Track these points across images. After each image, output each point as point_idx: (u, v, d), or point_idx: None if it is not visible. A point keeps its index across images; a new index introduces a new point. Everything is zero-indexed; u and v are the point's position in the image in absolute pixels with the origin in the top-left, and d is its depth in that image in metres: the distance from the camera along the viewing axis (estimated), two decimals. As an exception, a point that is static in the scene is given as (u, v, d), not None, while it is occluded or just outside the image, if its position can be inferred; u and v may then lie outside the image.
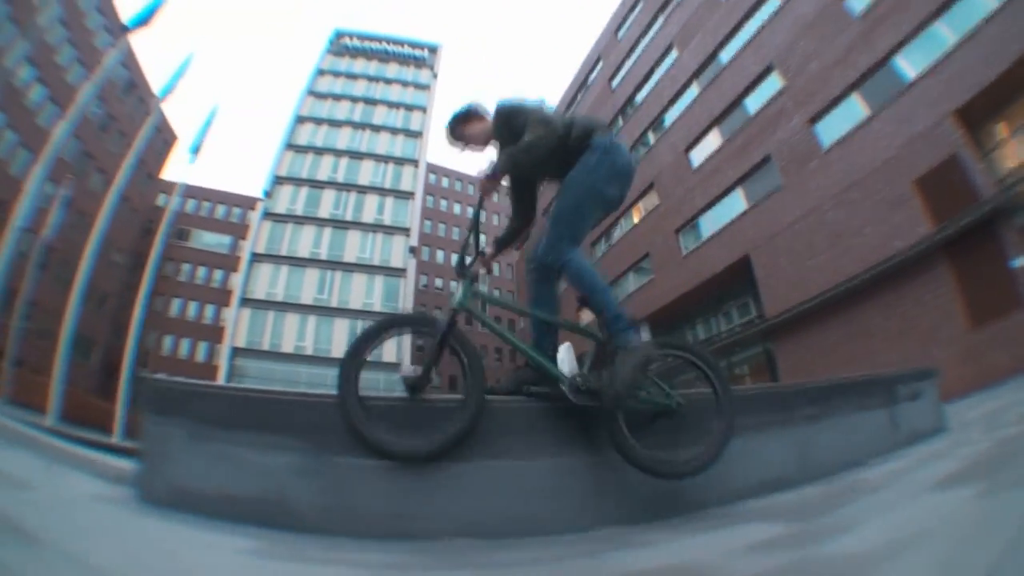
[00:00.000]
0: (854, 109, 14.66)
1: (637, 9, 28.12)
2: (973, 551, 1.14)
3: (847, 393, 3.29)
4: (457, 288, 2.29)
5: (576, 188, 2.35)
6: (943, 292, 11.60)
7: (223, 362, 30.66)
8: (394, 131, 40.98)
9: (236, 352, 30.78)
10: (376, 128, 40.40)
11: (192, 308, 40.89)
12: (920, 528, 1.41)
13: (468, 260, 2.37)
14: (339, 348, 30.82)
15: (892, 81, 13.55)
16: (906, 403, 3.53)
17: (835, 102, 15.25)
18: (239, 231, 43.28)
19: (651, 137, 24.80)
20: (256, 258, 33.28)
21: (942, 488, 1.88)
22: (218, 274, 42.38)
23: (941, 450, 2.88)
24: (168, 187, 41.45)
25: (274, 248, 34.02)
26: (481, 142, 2.57)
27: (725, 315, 20.18)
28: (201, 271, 42.22)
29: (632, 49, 27.90)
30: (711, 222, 19.97)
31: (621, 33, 29.47)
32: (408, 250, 35.60)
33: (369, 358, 2.12)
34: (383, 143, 40.06)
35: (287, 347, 31.52)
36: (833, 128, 15.28)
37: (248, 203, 44.41)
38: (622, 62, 28.66)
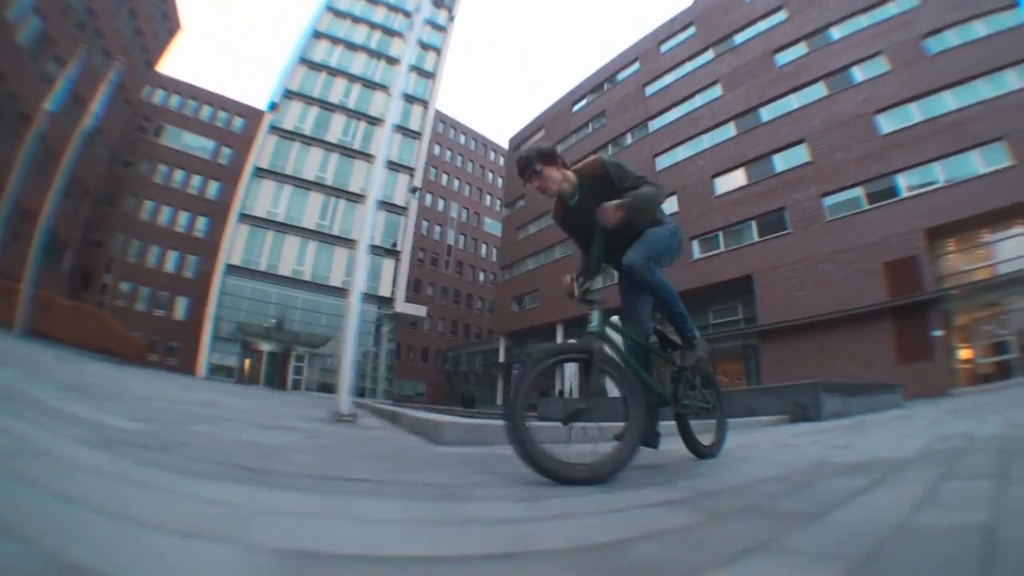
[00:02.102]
0: (857, 199, 24.09)
1: (687, 34, 36.26)
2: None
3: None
4: (592, 315, 2.67)
5: (664, 237, 3.03)
6: (885, 337, 21.40)
7: (216, 279, 33.49)
8: (408, 67, 46.07)
9: (230, 269, 33.80)
10: (391, 60, 45.28)
11: (165, 213, 42.02)
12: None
13: (587, 284, 2.96)
14: (337, 276, 36.51)
15: (889, 190, 23.04)
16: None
17: (844, 188, 24.64)
18: (225, 137, 45.74)
19: (680, 152, 33.21)
20: (258, 172, 36.60)
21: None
22: (195, 180, 43.97)
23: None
24: (164, 82, 44.42)
25: (278, 165, 37.30)
26: (551, 185, 2.94)
27: (714, 313, 29.47)
28: (178, 174, 43.37)
29: (674, 68, 36.08)
30: (725, 240, 28.96)
31: (665, 48, 37.52)
32: (410, 190, 41.34)
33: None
34: (395, 77, 44.97)
35: (284, 270, 35.66)
36: (838, 206, 24.71)
37: (243, 111, 47.13)
38: (662, 75, 36.78)
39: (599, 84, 42.34)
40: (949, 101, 22.59)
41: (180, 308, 39.67)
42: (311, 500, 1.56)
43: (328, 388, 32.75)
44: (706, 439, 3.34)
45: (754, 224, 28.05)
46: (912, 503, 1.58)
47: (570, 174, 3.00)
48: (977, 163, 21.13)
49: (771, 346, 25.23)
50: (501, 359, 44.97)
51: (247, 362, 33.66)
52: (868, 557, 1.09)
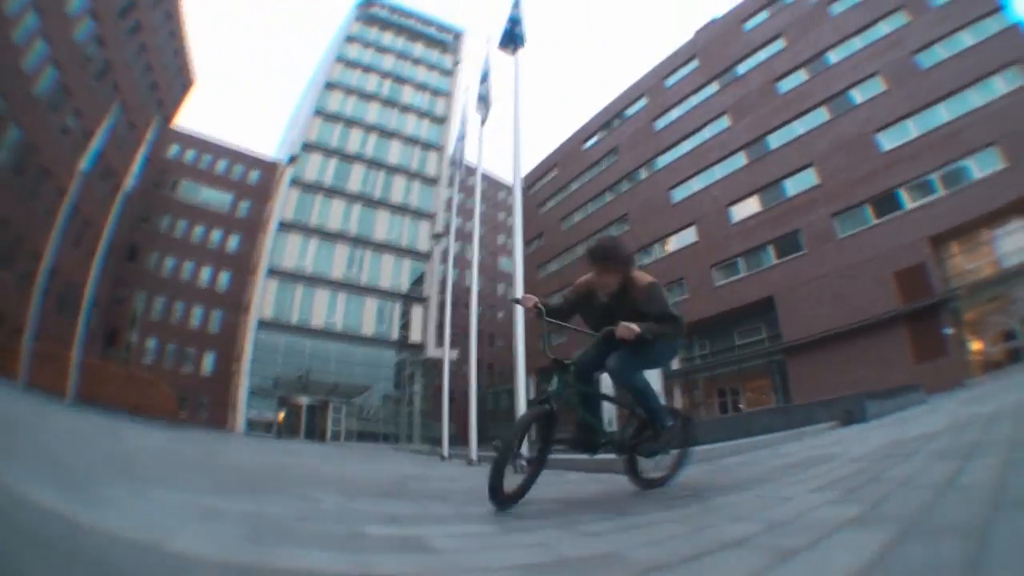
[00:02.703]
0: (866, 215, 26.39)
1: (690, 67, 39.21)
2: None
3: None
4: (554, 379, 3.53)
5: (664, 355, 3.82)
6: (900, 341, 23.48)
7: (249, 335, 35.34)
8: (420, 114, 49.44)
9: (262, 324, 35.76)
10: (404, 108, 48.38)
11: (186, 269, 42.45)
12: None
13: (551, 354, 3.57)
14: (368, 326, 38.94)
15: (894, 205, 25.34)
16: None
17: (852, 207, 26.95)
18: (241, 190, 46.88)
19: (694, 184, 35.73)
20: (283, 226, 39.08)
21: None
22: (215, 234, 44.66)
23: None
24: (179, 136, 45.70)
25: (303, 219, 39.83)
26: (609, 284, 3.57)
27: (739, 335, 31.57)
28: (198, 229, 43.95)
29: (681, 101, 38.88)
30: (745, 265, 31.22)
31: (669, 82, 40.41)
32: (432, 236, 43.99)
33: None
34: (410, 124, 48.34)
35: (316, 322, 37.85)
36: (847, 224, 27.04)
37: (257, 163, 48.72)
38: (669, 109, 39.58)
39: (608, 120, 45.15)
40: (943, 113, 25.19)
41: (207, 363, 40.12)
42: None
43: (365, 437, 35.18)
44: (659, 471, 4.04)
45: (771, 248, 30.32)
46: (953, 446, 3.83)
47: (619, 282, 3.57)
48: (973, 169, 23.53)
49: (797, 361, 27.25)
50: (532, 395, 46.75)
51: (281, 415, 35.24)
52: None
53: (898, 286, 24.08)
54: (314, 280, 38.83)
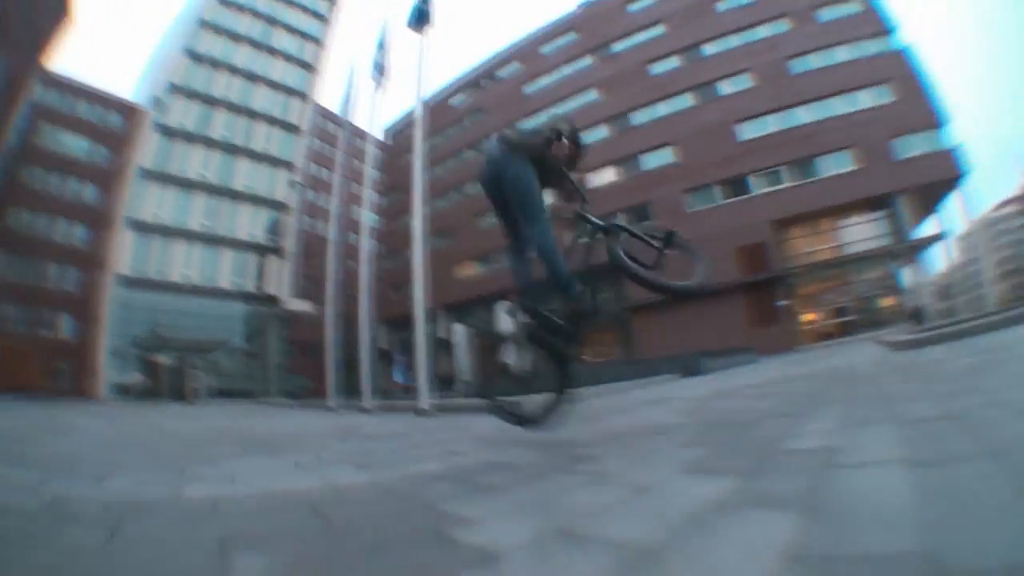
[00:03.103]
0: (715, 195, 28.72)
1: (567, 39, 40.32)
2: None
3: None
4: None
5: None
6: (738, 308, 25.85)
7: (107, 292, 32.84)
8: (288, 58, 46.78)
9: (120, 279, 33.33)
10: (273, 51, 45.64)
11: (39, 221, 36.52)
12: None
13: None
14: (226, 278, 37.10)
15: (743, 189, 27.79)
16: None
17: (704, 187, 29.29)
18: (101, 136, 40.35)
19: (556, 150, 36.83)
20: (144, 174, 36.31)
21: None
22: (71, 183, 38.30)
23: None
24: (45, 76, 37.66)
25: (163, 166, 37.07)
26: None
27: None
28: (52, 177, 37.51)
29: (553, 69, 39.87)
30: (597, 230, 32.76)
31: (545, 50, 41.30)
32: (290, 184, 42.08)
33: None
34: (278, 69, 45.67)
35: (174, 276, 35.62)
36: (698, 200, 29.34)
37: (120, 106, 41.94)
38: (541, 75, 40.44)
39: (477, 79, 45.42)
40: (803, 115, 28.40)
41: (65, 327, 34.43)
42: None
43: (225, 394, 32.95)
44: None
45: (623, 215, 31.99)
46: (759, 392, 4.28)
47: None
48: (822, 167, 26.57)
49: (641, 320, 29.06)
50: (383, 345, 45.88)
51: (146, 377, 32.42)
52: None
53: (740, 260, 26.58)
54: (172, 232, 36.42)
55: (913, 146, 26.31)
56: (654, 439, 2.85)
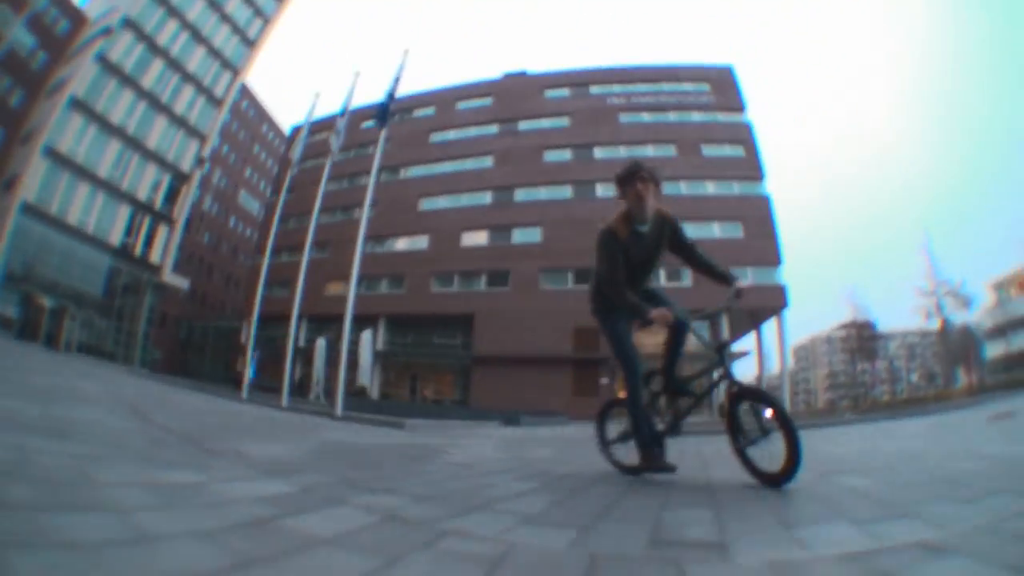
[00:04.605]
0: (568, 278, 33.42)
1: (483, 102, 44.78)
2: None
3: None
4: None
5: None
6: (567, 377, 30.84)
7: (11, 216, 31.34)
8: (235, 28, 46.64)
9: (25, 207, 31.91)
10: (224, 17, 45.42)
11: None
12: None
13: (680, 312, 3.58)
14: (116, 235, 36.55)
15: (589, 279, 32.57)
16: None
17: (560, 269, 33.92)
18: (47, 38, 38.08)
19: (442, 201, 40.70)
20: (74, 103, 34.80)
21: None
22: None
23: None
24: None
25: (91, 101, 35.54)
26: (648, 201, 3.50)
27: (438, 335, 36.82)
28: None
29: (463, 126, 44.05)
30: (459, 282, 36.68)
31: (461, 106, 45.51)
32: (195, 159, 42.58)
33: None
34: (222, 35, 45.47)
35: (72, 218, 34.55)
36: (551, 280, 34.02)
37: (70, 11, 39.92)
38: (448, 128, 44.53)
39: (393, 112, 48.43)
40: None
41: None
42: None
43: (96, 351, 33.36)
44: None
45: (484, 276, 36.35)
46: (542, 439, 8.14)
47: (656, 206, 3.55)
48: (662, 277, 31.76)
49: (480, 370, 33.23)
50: (243, 340, 46.51)
51: (24, 314, 31.70)
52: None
53: (575, 337, 31.17)
54: (82, 172, 35.24)
55: (746, 277, 32.18)
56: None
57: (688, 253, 3.76)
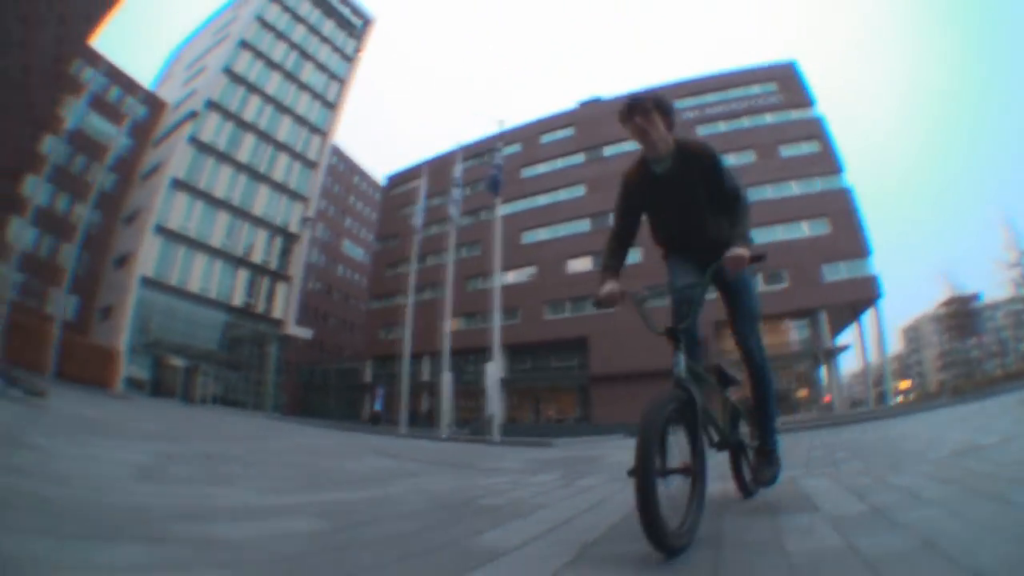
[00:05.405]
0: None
1: (565, 133, 48.50)
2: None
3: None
4: (677, 357, 2.67)
5: (754, 293, 3.17)
6: None
7: (131, 291, 34.88)
8: (315, 95, 51.69)
9: (144, 281, 35.52)
10: (302, 85, 50.40)
11: (60, 200, 38.63)
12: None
13: (646, 299, 3.06)
14: (238, 297, 41.27)
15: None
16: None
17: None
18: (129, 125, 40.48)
19: (542, 232, 44.68)
20: (176, 183, 38.90)
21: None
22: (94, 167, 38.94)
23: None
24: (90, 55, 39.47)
25: (193, 179, 39.94)
26: (653, 134, 2.90)
27: (555, 359, 40.83)
28: (79, 159, 39.66)
29: (551, 159, 47.86)
30: (571, 310, 40.52)
31: (544, 139, 49.30)
32: (303, 219, 46.99)
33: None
34: (303, 103, 50.36)
35: (193, 286, 38.69)
36: (658, 298, 37.13)
37: (148, 98, 45.48)
38: (538, 163, 48.41)
39: (481, 152, 50.64)
40: (752, 236, 36.48)
41: (70, 311, 34.62)
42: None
43: (229, 402, 38.52)
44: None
45: (592, 300, 39.94)
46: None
47: (671, 140, 2.94)
48: (760, 282, 34.63)
49: (599, 388, 36.98)
50: (368, 379, 52.77)
51: (157, 375, 36.04)
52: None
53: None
54: (196, 244, 39.54)
55: (839, 271, 35.10)
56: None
57: (723, 199, 3.06)
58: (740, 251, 2.66)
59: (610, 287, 3.27)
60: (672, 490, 2.24)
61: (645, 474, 1.96)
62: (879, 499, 2.88)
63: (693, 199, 3.04)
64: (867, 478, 3.83)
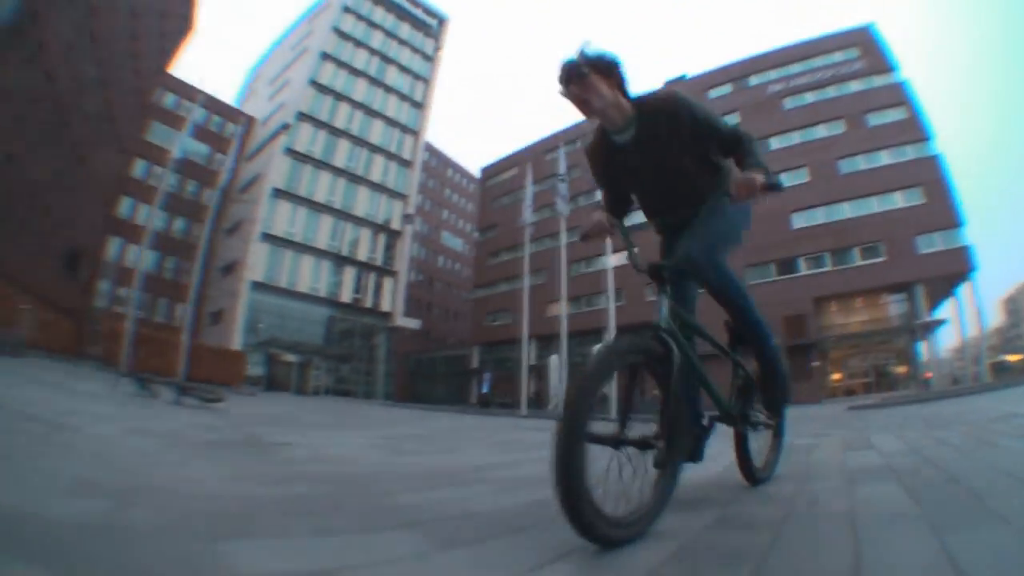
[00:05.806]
0: (771, 271, 38.29)
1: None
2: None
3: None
4: (661, 301, 2.24)
5: (740, 216, 2.66)
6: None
7: (242, 296, 37.96)
8: (401, 96, 53.46)
9: (254, 286, 38.63)
10: (388, 89, 52.79)
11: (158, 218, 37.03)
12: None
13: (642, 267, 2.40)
14: (346, 293, 44.08)
15: (792, 269, 37.49)
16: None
17: (762, 264, 38.62)
18: (219, 143, 46.58)
19: (636, 216, 46.31)
20: (277, 192, 42.11)
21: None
22: (190, 185, 46.09)
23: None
24: (172, 83, 46.06)
25: (293, 187, 42.88)
26: (594, 100, 2.39)
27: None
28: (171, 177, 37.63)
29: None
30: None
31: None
32: (403, 216, 49.42)
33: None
34: (392, 106, 52.31)
35: (302, 287, 41.72)
36: (755, 275, 38.51)
37: (237, 116, 48.83)
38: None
39: (575, 139, 49.19)
40: (847, 210, 37.53)
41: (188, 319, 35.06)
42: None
43: (342, 393, 41.22)
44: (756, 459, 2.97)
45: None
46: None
47: (626, 103, 2.46)
48: (857, 256, 36.01)
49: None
50: (475, 365, 54.89)
51: (272, 371, 38.81)
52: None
53: (784, 325, 35.96)
54: (302, 247, 42.56)
55: (934, 243, 34.95)
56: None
57: (716, 145, 2.60)
58: (751, 174, 2.27)
59: (597, 216, 2.80)
60: (633, 465, 1.99)
61: (567, 436, 1.62)
62: (916, 444, 4.36)
63: (668, 162, 2.54)
64: (916, 432, 5.57)
